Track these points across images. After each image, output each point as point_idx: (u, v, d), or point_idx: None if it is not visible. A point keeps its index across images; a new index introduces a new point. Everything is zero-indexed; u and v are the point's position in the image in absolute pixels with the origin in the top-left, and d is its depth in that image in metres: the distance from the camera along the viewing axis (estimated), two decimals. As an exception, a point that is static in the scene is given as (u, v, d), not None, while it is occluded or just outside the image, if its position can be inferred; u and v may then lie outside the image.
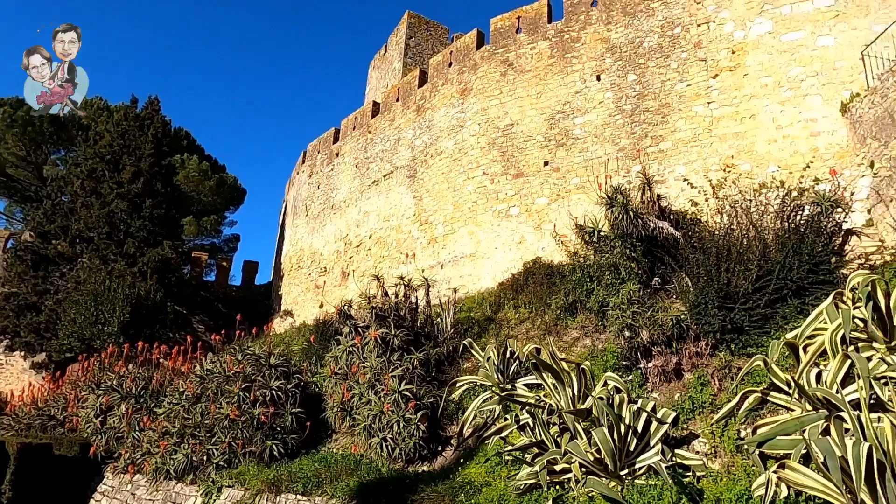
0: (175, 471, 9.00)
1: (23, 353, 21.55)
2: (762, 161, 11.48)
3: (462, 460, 7.16)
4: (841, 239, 8.35)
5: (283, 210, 29.01)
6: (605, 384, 6.64)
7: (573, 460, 5.89)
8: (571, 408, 6.50)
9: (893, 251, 8.13)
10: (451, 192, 16.30)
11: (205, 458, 8.88)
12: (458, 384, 8.44)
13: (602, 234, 9.54)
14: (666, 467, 5.66)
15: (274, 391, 9.23)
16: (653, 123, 13.04)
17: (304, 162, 25.22)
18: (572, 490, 5.88)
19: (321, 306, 20.63)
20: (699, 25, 12.84)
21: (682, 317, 7.46)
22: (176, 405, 9.75)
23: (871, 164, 9.72)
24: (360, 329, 9.27)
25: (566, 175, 14.02)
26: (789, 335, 6.22)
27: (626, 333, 7.56)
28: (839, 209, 8.11)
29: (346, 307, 9.80)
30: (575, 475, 5.83)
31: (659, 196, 9.67)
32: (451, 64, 17.63)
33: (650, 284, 8.73)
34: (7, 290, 21.04)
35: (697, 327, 7.40)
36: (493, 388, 7.95)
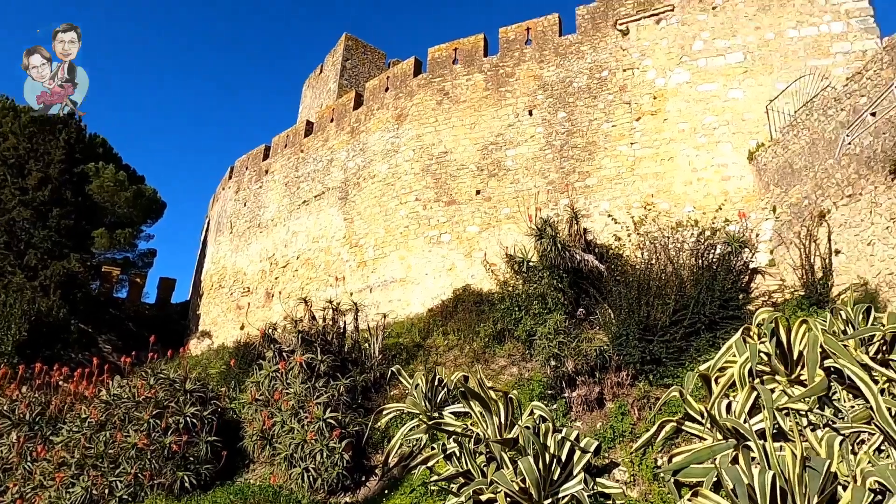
0: (71, 506, 8.25)
1: None
2: (679, 201, 12.22)
3: (386, 490, 7.02)
4: (748, 277, 8.98)
5: (205, 226, 27.85)
6: (532, 413, 6.74)
7: (499, 490, 5.90)
8: (498, 437, 6.55)
9: (792, 290, 8.84)
10: (384, 215, 16.25)
11: (106, 491, 8.19)
12: (384, 412, 8.31)
13: (531, 264, 9.79)
14: (588, 496, 5.79)
15: (188, 418, 8.71)
16: (580, 160, 13.63)
17: (230, 178, 24.42)
18: (499, 520, 5.87)
19: (242, 328, 19.84)
20: (624, 70, 13.63)
21: (605, 347, 7.74)
22: (77, 433, 8.97)
23: (774, 209, 10.58)
24: (284, 353, 8.97)
25: (497, 205, 14.34)
26: (702, 367, 6.59)
27: (553, 363, 7.73)
28: (747, 249, 8.73)
29: (270, 330, 9.47)
30: (500, 505, 5.84)
31: (585, 230, 10.07)
32: (387, 89, 17.74)
33: (575, 315, 9.02)
34: None
35: (619, 358, 7.69)
36: (421, 417, 7.89)
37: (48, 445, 9.39)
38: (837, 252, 8.46)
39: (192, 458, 8.53)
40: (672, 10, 13.37)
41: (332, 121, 19.39)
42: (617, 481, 6.30)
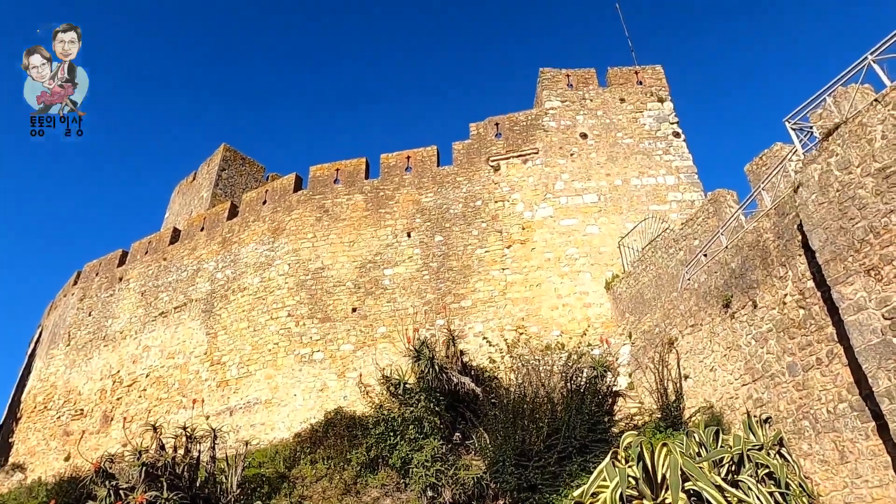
0: None
1: None
2: (547, 325, 12.92)
3: None
4: (612, 400, 9.47)
5: (35, 337, 24.37)
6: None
7: None
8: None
9: (650, 412, 9.43)
10: (251, 331, 15.35)
11: None
12: (239, 559, 7.28)
13: (407, 386, 9.61)
14: None
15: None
16: (456, 281, 14.11)
17: (75, 283, 22.00)
18: None
19: (68, 458, 17.00)
20: (496, 202, 14.75)
21: (482, 476, 7.57)
22: None
23: (630, 335, 11.51)
24: (122, 491, 7.70)
25: (373, 323, 14.18)
26: (576, 493, 6.65)
27: (429, 493, 7.40)
28: (609, 373, 9.30)
29: (106, 462, 8.16)
30: None
31: (462, 351, 10.18)
32: (265, 202, 17.56)
33: (451, 440, 8.85)
34: None
35: (496, 486, 7.55)
36: (282, 563, 7.01)
37: None
38: (686, 377, 9.27)
39: None
40: (537, 153, 14.97)
41: (202, 229, 18.57)
42: None
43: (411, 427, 8.90)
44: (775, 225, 7.47)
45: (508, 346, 10.34)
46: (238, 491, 8.80)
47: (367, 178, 16.54)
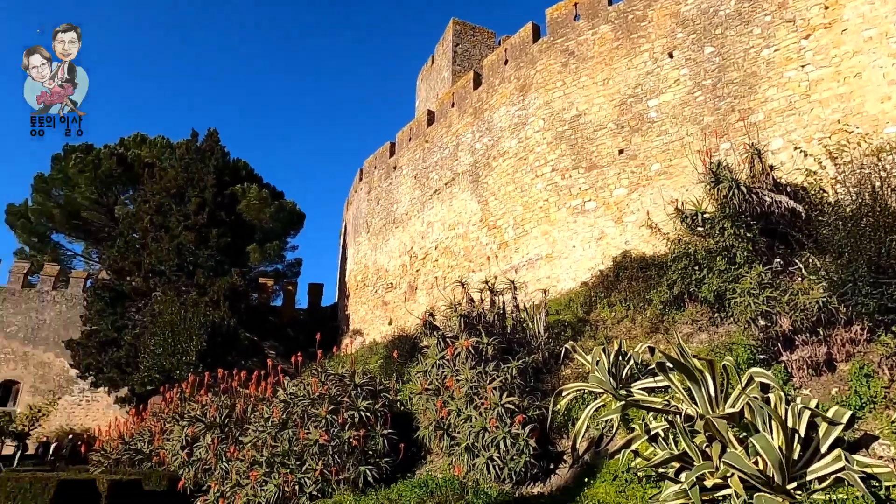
0: (268, 503, 8.53)
1: (107, 389, 22.04)
2: (876, 122, 10.20)
3: (586, 479, 6.34)
4: None
5: (343, 230, 28.96)
6: (750, 381, 5.69)
7: (730, 474, 4.98)
8: (712, 412, 5.60)
9: None
10: (519, 192, 15.54)
11: (297, 488, 8.37)
12: (564, 393, 7.62)
13: (705, 216, 8.58)
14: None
15: (362, 412, 8.65)
16: (739, 95, 11.93)
17: (361, 179, 25.05)
18: (732, 509, 4.96)
19: (390, 323, 20.22)
20: (783, -17, 11.69)
21: (828, 299, 6.42)
22: (262, 432, 9.31)
23: None
24: (448, 339, 8.61)
25: (645, 161, 13.03)
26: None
27: (761, 322, 6.58)
28: None
29: (429, 317, 9.17)
30: (735, 492, 4.92)
31: (772, 166, 8.61)
32: (506, 62, 16.98)
33: (771, 267, 7.70)
34: (89, 327, 21.61)
35: (847, 309, 6.35)
36: (607, 395, 7.11)
37: (238, 446, 9.87)
38: None
39: (370, 452, 8.46)
40: None
41: (452, 105, 19.02)
42: (880, 458, 5.08)
43: (719, 258, 7.99)
44: None
45: (831, 155, 8.38)
46: (545, 335, 9.17)
47: (609, 3, 14.61)
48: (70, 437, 20.27)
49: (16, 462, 18.40)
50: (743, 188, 7.79)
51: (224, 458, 9.95)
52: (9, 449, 20.35)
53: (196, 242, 20.99)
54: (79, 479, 9.63)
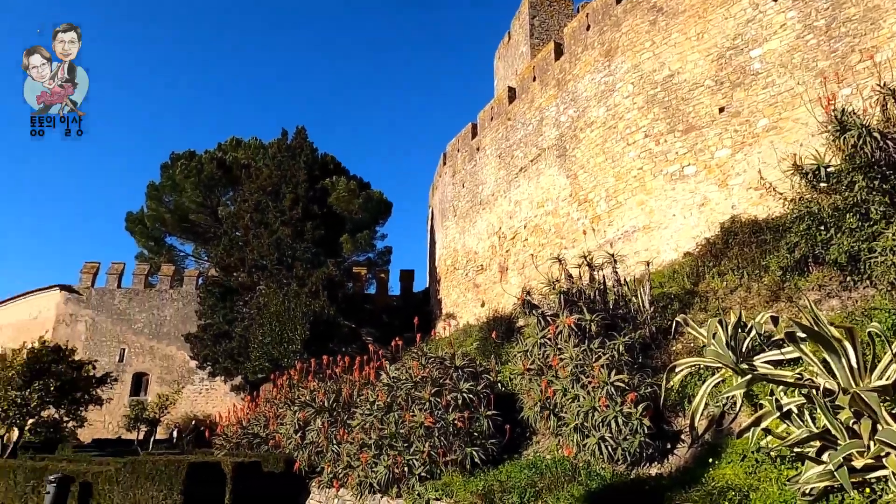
0: (378, 484, 8.73)
1: (223, 378, 23.69)
2: None
3: (710, 459, 5.92)
4: None
5: (429, 215, 29.21)
6: (901, 351, 5.03)
7: (885, 453, 4.43)
8: (854, 385, 5.01)
9: None
10: (610, 163, 14.87)
11: (406, 469, 8.50)
12: (677, 368, 7.17)
13: (829, 170, 7.72)
14: None
15: (465, 394, 8.62)
16: (859, 34, 10.67)
17: (444, 164, 25.07)
18: (889, 492, 4.43)
19: (483, 305, 20.16)
20: None
21: None
22: (369, 416, 9.54)
23: None
24: (548, 318, 8.36)
25: (750, 118, 12.00)
26: None
27: (908, 284, 5.82)
28: None
29: (527, 296, 8.95)
30: (893, 472, 4.37)
31: (910, 108, 7.60)
32: (588, 27, 16.22)
33: (915, 222, 6.81)
34: (203, 321, 23.25)
35: None
36: (726, 370, 6.60)
37: (347, 429, 10.19)
38: None
39: (476, 434, 8.42)
40: None
41: (534, 80, 18.48)
42: None
43: (849, 215, 7.18)
44: None
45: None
46: (651, 309, 8.70)
47: (700, -50, 13.51)
48: (194, 422, 22.05)
49: (151, 446, 20.23)
50: (876, 134, 6.92)
51: (334, 441, 10.31)
52: (141, 434, 22.43)
53: (293, 236, 21.93)
54: (206, 461, 10.38)
